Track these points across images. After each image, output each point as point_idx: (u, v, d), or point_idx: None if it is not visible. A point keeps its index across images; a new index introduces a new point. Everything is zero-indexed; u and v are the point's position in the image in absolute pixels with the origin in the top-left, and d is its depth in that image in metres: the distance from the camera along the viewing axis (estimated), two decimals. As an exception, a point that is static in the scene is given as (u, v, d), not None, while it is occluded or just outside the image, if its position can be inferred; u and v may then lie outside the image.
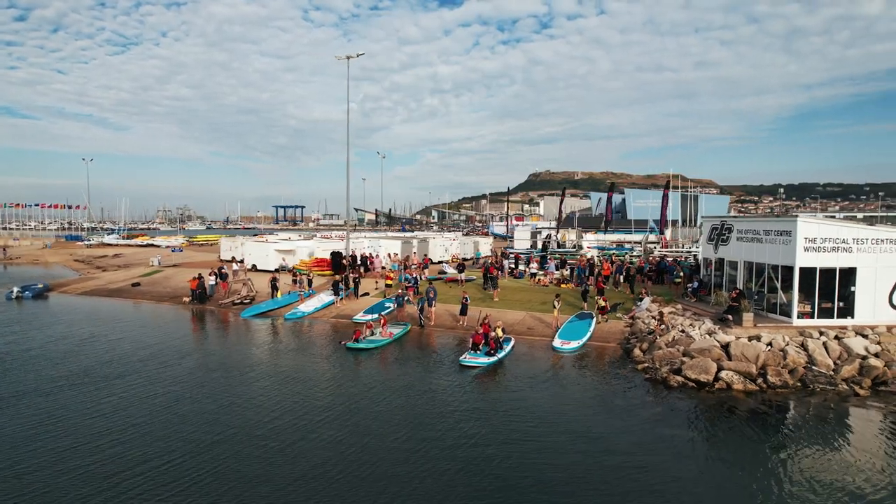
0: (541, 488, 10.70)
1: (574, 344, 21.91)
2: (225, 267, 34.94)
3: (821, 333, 19.09)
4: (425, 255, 40.52)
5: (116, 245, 76.14)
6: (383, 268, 37.25)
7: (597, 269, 31.01)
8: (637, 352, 20.32)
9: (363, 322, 24.81)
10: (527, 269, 35.74)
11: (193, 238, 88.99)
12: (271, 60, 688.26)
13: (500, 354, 20.17)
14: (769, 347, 18.50)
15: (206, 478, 10.90)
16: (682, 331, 20.85)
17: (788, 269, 20.07)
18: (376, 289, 32.15)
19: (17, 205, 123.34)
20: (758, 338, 18.99)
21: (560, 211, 61.73)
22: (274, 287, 30.72)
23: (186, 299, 31.78)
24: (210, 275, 33.30)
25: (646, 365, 18.93)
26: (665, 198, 41.91)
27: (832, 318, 19.87)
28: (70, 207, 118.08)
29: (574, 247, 47.67)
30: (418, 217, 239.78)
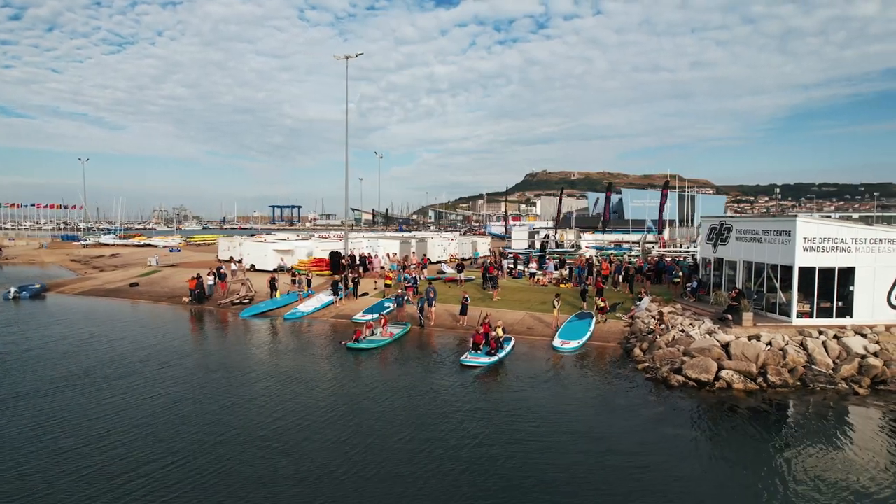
0: (544, 488, 10.72)
1: (574, 344, 21.95)
2: (223, 267, 34.89)
3: (820, 333, 19.18)
4: (424, 255, 40.50)
5: (113, 245, 75.87)
6: (382, 268, 37.23)
7: (595, 269, 31.08)
8: (637, 351, 20.37)
9: (363, 322, 24.80)
10: (525, 269, 35.79)
11: (191, 238, 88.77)
12: (267, 60, 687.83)
13: (501, 354, 20.19)
14: (769, 347, 18.58)
15: (210, 479, 10.88)
16: (682, 330, 20.91)
17: (788, 269, 20.15)
18: (375, 289, 32.14)
19: (13, 204, 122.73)
20: (757, 337, 19.06)
21: (558, 211, 61.77)
22: (273, 287, 30.68)
23: (186, 299, 31.70)
24: (209, 275, 33.24)
25: (646, 364, 18.99)
26: (664, 198, 42.00)
27: (831, 317, 19.96)
28: (66, 207, 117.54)
29: (572, 247, 47.75)
30: (415, 217, 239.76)
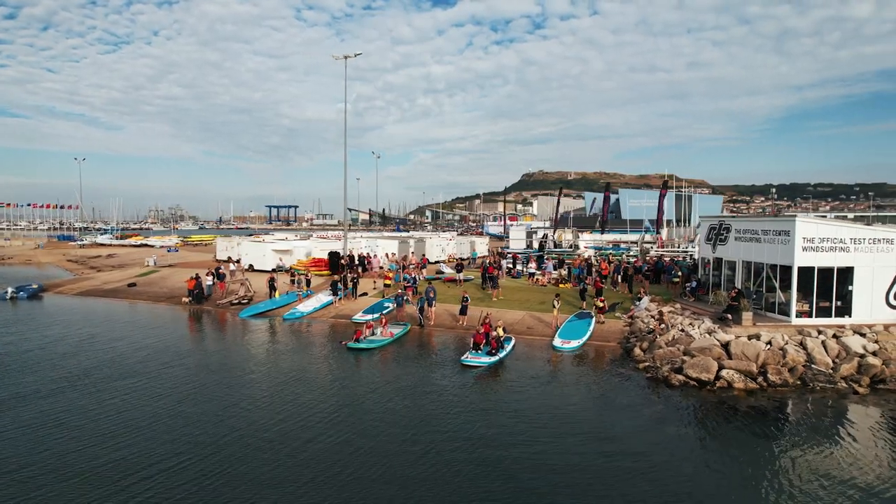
0: (554, 489, 10.71)
1: (574, 343, 22.00)
2: (222, 267, 34.84)
3: (819, 332, 19.27)
4: (423, 255, 40.52)
5: (110, 245, 75.60)
6: (381, 268, 37.22)
7: (594, 269, 31.15)
8: (637, 351, 20.43)
9: (362, 322, 24.79)
10: (524, 269, 35.84)
11: (188, 238, 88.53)
12: (264, 60, 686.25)
13: (502, 354, 20.21)
14: (769, 346, 18.66)
15: (215, 482, 10.82)
16: (682, 330, 20.99)
17: (787, 269, 20.24)
18: (374, 289, 32.13)
19: (8, 204, 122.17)
20: (757, 336, 19.14)
21: (556, 211, 61.84)
22: (272, 287, 30.65)
23: (186, 300, 31.62)
24: (207, 275, 33.18)
25: (647, 364, 19.04)
26: (662, 198, 42.09)
27: (830, 316, 20.07)
28: (62, 207, 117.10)
29: (570, 247, 47.82)
30: (412, 217, 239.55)
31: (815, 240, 19.82)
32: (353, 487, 10.67)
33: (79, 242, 78.91)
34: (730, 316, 20.54)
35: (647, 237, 47.50)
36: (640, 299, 26.03)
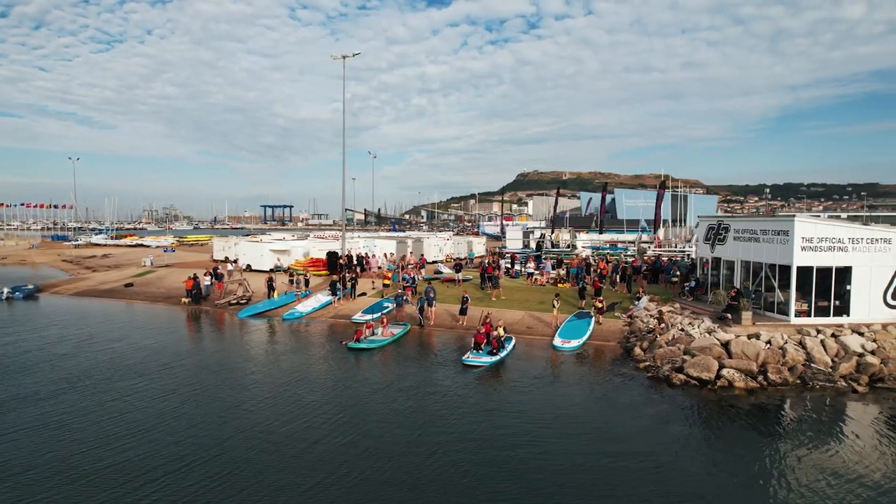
0: (562, 490, 10.74)
1: (574, 343, 22.07)
2: (220, 267, 34.73)
3: (818, 331, 19.41)
4: (421, 255, 40.53)
5: (105, 245, 75.25)
6: (379, 268, 37.20)
7: (593, 269, 31.24)
8: (638, 350, 20.51)
9: (362, 322, 24.78)
10: (523, 269, 35.90)
11: (184, 238, 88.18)
12: (258, 59, 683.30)
13: (502, 354, 20.25)
14: (768, 345, 18.78)
15: (223, 484, 10.77)
16: (682, 329, 21.08)
17: (786, 269, 20.37)
18: (373, 289, 32.11)
19: (1, 204, 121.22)
20: (757, 336, 19.25)
21: (554, 211, 61.99)
22: (270, 287, 30.58)
23: (185, 300, 31.51)
24: (205, 275, 33.09)
25: (647, 363, 19.13)
26: (659, 198, 42.27)
27: (828, 316, 20.21)
28: (56, 207, 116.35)
29: (568, 246, 47.93)
30: (407, 217, 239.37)
31: (813, 240, 19.96)
32: (362, 489, 10.65)
33: (73, 242, 78.47)
34: (729, 315, 20.65)
35: (645, 237, 47.68)
36: (638, 299, 26.12)
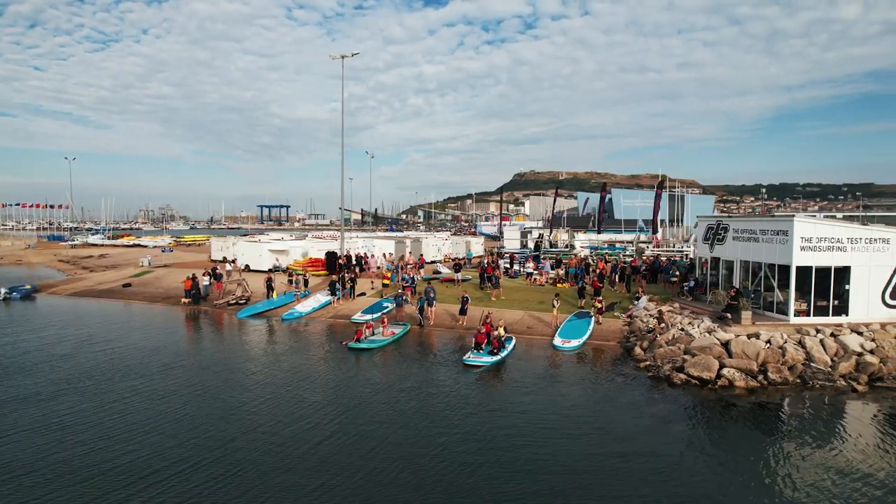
0: (569, 489, 10.77)
1: (574, 343, 22.11)
2: (219, 267, 34.66)
3: (817, 331, 19.50)
4: (420, 255, 40.54)
5: (102, 245, 74.97)
6: (378, 268, 37.18)
7: (592, 269, 31.29)
8: (638, 350, 20.57)
9: (361, 322, 24.77)
10: (522, 269, 35.95)
11: (181, 238, 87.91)
12: (254, 59, 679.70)
13: (503, 354, 20.28)
14: (768, 345, 18.85)
15: (227, 485, 10.74)
16: (682, 329, 21.14)
17: (785, 268, 20.46)
18: (372, 289, 32.10)
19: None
20: (756, 335, 19.33)
21: (552, 211, 62.09)
22: (269, 287, 30.54)
23: (184, 300, 31.42)
24: (204, 275, 33.02)
25: (648, 363, 19.18)
26: (658, 198, 42.38)
27: (827, 315, 20.31)
28: (52, 207, 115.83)
29: (566, 246, 48.01)
30: (404, 217, 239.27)
31: (812, 239, 20.05)
32: (367, 489, 10.64)
33: (70, 242, 78.20)
34: (729, 315, 20.73)
35: (643, 237, 47.79)
36: (638, 299, 26.19)
